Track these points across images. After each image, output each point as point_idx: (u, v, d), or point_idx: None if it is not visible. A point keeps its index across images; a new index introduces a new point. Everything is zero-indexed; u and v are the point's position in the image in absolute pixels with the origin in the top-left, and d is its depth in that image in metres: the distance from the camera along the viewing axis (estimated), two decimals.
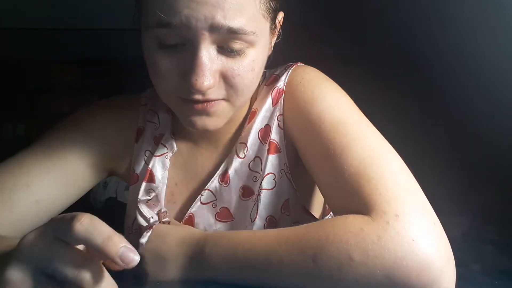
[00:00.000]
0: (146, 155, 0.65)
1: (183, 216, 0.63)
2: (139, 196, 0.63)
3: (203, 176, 0.64)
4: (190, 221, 0.63)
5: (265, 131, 0.62)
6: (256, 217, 0.60)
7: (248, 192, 0.62)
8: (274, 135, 0.61)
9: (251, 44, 0.50)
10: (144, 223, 0.62)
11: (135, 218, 0.63)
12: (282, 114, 0.61)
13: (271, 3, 0.52)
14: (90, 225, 0.34)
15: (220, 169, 0.63)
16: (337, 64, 0.82)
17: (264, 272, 0.46)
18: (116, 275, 0.38)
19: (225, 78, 0.50)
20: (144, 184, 0.63)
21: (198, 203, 0.63)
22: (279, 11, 0.56)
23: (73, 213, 0.35)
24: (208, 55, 0.48)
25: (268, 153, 0.60)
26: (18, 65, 2.49)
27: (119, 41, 1.85)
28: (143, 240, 0.54)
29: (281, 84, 0.61)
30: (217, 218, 0.63)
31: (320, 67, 0.62)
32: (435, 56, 1.10)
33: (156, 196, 0.63)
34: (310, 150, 0.56)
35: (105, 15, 1.98)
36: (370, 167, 0.48)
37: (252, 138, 0.61)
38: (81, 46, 2.35)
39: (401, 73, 1.18)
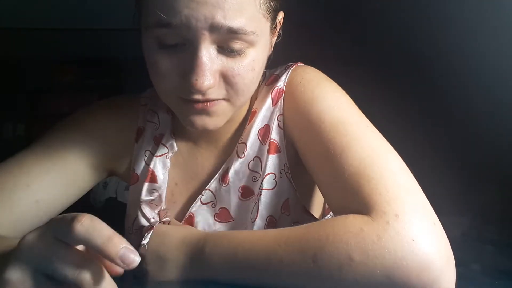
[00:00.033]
0: (146, 155, 0.65)
1: (183, 216, 0.63)
2: (142, 197, 0.63)
3: (203, 176, 0.64)
4: (190, 221, 0.63)
5: (265, 131, 0.61)
6: (257, 217, 0.60)
7: (247, 192, 0.62)
8: (274, 135, 0.61)
9: (251, 44, 0.50)
10: (145, 223, 0.62)
11: (135, 218, 0.63)
12: (282, 114, 0.61)
13: (271, 3, 0.52)
14: (90, 226, 0.34)
15: (221, 169, 0.63)
16: (337, 64, 0.82)
17: (264, 272, 0.46)
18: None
19: (225, 78, 0.50)
20: (146, 184, 0.63)
21: (199, 202, 0.63)
22: (279, 11, 0.56)
23: (73, 213, 0.35)
24: (208, 55, 0.48)
25: (268, 153, 0.60)
26: (18, 65, 2.48)
27: (119, 41, 1.85)
28: (145, 241, 0.54)
29: (281, 84, 0.61)
30: (216, 219, 0.63)
31: (320, 67, 0.62)
32: (435, 56, 1.10)
33: (159, 196, 0.63)
34: (310, 150, 0.56)
35: (105, 15, 1.98)
36: (370, 167, 0.48)
37: (252, 138, 0.61)
38: (81, 46, 2.35)
39: (401, 73, 1.18)
